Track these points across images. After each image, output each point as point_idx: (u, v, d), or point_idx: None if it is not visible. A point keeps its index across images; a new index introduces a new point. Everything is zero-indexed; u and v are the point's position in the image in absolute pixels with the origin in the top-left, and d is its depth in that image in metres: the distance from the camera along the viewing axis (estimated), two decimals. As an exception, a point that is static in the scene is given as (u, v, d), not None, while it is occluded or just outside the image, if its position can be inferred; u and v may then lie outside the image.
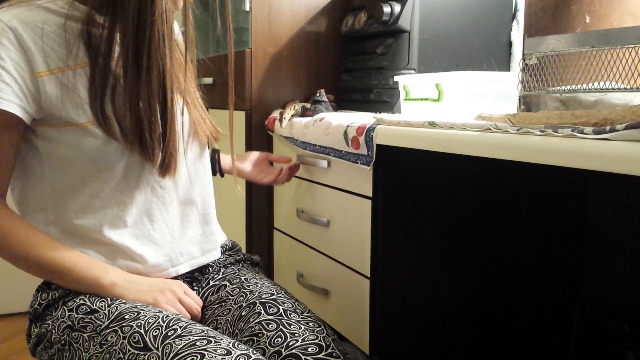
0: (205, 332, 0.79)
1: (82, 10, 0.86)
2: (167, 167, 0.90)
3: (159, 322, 0.81)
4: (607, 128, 0.65)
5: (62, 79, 0.85)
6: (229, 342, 0.78)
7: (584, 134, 0.67)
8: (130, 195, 0.92)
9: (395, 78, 1.32)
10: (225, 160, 1.31)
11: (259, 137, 1.62)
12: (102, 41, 0.85)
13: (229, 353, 0.75)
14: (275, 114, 1.58)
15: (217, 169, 1.28)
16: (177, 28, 1.11)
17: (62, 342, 0.84)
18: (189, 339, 0.77)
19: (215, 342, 0.77)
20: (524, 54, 1.04)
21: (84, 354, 0.82)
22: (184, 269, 1.00)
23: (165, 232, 0.97)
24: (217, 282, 1.04)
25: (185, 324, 0.81)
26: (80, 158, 0.87)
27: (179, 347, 0.75)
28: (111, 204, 0.91)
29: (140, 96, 0.85)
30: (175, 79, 0.90)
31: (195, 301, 0.96)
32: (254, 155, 1.37)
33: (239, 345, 0.78)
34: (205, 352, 0.74)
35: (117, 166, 0.89)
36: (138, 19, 0.82)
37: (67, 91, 0.85)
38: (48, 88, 0.84)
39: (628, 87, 0.89)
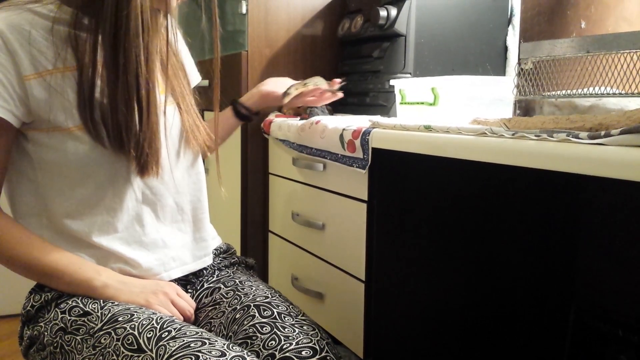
0: (200, 333, 0.79)
1: (69, 13, 0.86)
2: (144, 166, 0.89)
3: (152, 324, 0.80)
4: (602, 133, 0.65)
5: (50, 82, 0.85)
6: (224, 344, 0.77)
7: (579, 138, 0.67)
8: (119, 201, 0.91)
9: (391, 82, 1.32)
10: (247, 98, 1.32)
11: (254, 140, 1.62)
12: (87, 43, 0.85)
13: (223, 355, 0.74)
14: (271, 117, 1.58)
15: (245, 114, 1.29)
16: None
17: (55, 345, 0.84)
18: (183, 340, 0.77)
19: (210, 343, 0.77)
20: (519, 59, 1.05)
21: (77, 356, 0.81)
22: (176, 274, 0.99)
23: (156, 237, 0.96)
24: (211, 285, 1.03)
25: (179, 326, 0.81)
26: (67, 163, 0.87)
27: (173, 348, 0.75)
28: (100, 210, 0.90)
29: (118, 94, 0.84)
30: (157, 78, 0.90)
31: (188, 303, 0.95)
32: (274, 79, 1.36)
33: (234, 347, 0.77)
34: (200, 354, 0.74)
35: (103, 172, 0.89)
36: (116, 14, 0.82)
37: (55, 94, 0.85)
38: (36, 91, 0.84)
39: (623, 92, 0.90)
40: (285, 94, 1.29)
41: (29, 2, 0.86)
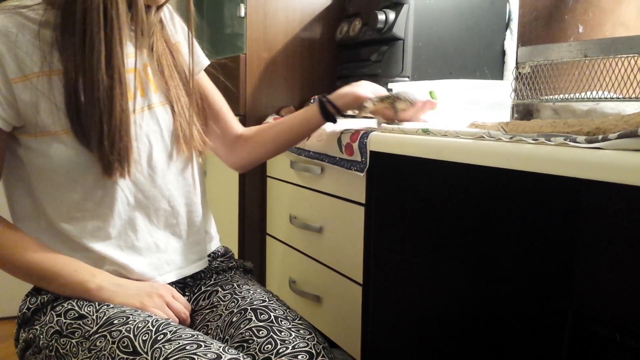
0: (195, 336, 0.79)
1: (55, 16, 0.85)
2: (107, 166, 0.86)
3: (148, 327, 0.80)
4: (600, 137, 0.65)
5: (37, 85, 0.84)
6: (219, 347, 0.77)
7: (577, 142, 0.67)
8: (109, 206, 0.90)
9: (389, 85, 1.32)
10: (339, 97, 1.11)
11: (252, 143, 1.61)
12: (71, 45, 0.84)
13: (219, 357, 0.74)
14: (270, 119, 1.58)
15: (333, 114, 1.10)
16: (179, 29, 1.09)
17: (50, 348, 0.84)
18: (179, 343, 0.76)
19: (205, 346, 0.76)
20: (517, 63, 1.05)
21: (72, 359, 0.81)
22: (171, 278, 0.99)
23: (149, 241, 0.95)
24: (208, 288, 1.03)
25: (174, 329, 0.80)
26: (56, 168, 0.87)
27: (169, 351, 0.75)
28: (91, 215, 0.90)
29: (86, 92, 0.84)
30: (133, 75, 0.90)
31: (183, 305, 0.95)
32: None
33: (229, 350, 0.77)
34: (195, 356, 0.74)
35: (91, 177, 0.88)
36: (83, 9, 0.81)
37: (42, 97, 0.85)
38: (23, 95, 0.84)
39: (620, 96, 0.90)
40: (361, 107, 1.09)
41: (19, 7, 0.85)
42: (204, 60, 1.12)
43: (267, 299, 0.95)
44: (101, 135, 0.85)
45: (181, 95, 0.99)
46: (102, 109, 0.84)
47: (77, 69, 0.84)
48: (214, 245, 1.11)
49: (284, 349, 0.83)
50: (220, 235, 1.15)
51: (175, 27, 1.07)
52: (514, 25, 1.52)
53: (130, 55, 0.90)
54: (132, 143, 0.90)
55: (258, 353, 0.83)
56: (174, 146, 0.97)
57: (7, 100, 0.83)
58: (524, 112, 1.05)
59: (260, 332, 0.86)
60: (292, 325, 0.89)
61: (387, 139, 1.02)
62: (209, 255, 1.09)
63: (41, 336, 0.85)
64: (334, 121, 1.12)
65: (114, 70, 0.84)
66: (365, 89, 1.11)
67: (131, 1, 0.86)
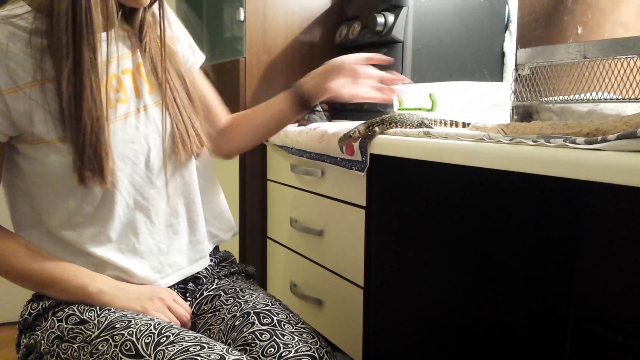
0: (199, 338, 0.79)
1: (45, 23, 0.84)
2: (80, 175, 0.85)
3: (150, 330, 0.80)
4: (599, 138, 0.65)
5: (30, 95, 0.84)
6: (223, 348, 0.77)
7: (576, 144, 0.67)
8: (109, 210, 0.90)
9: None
10: (308, 80, 1.11)
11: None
12: (62, 52, 0.83)
13: (222, 359, 0.74)
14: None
15: (307, 105, 1.11)
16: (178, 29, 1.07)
17: (52, 353, 0.84)
18: (182, 345, 0.76)
19: (209, 347, 0.76)
20: (516, 65, 1.05)
21: (74, 364, 0.81)
22: (173, 280, 0.99)
23: (151, 244, 0.95)
24: (211, 293, 1.03)
25: (177, 331, 0.80)
26: (54, 175, 0.86)
27: (172, 353, 0.75)
28: (91, 220, 0.90)
29: (62, 96, 0.83)
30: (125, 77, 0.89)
31: (184, 309, 0.95)
32: (336, 61, 1.13)
33: (233, 351, 0.77)
34: (199, 358, 0.74)
35: None
36: (57, 12, 0.81)
37: (36, 107, 0.84)
38: (16, 105, 0.83)
39: (620, 97, 0.90)
40: (346, 136, 1.05)
41: (9, 16, 0.85)
42: (199, 57, 1.10)
43: (269, 303, 0.95)
44: (75, 142, 0.84)
45: (177, 97, 0.97)
46: (72, 115, 0.83)
47: (62, 75, 0.83)
48: (229, 235, 1.10)
49: (287, 352, 0.83)
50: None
51: (169, 20, 1.04)
52: (513, 26, 1.52)
53: (115, 58, 0.89)
54: (128, 146, 0.90)
55: (261, 356, 0.83)
56: (171, 146, 0.96)
57: (1, 112, 0.83)
58: (523, 113, 1.05)
59: (263, 336, 0.86)
60: (295, 329, 0.89)
61: (388, 142, 1.02)
62: (215, 254, 1.10)
63: (42, 342, 0.85)
64: (310, 110, 1.13)
65: (83, 76, 0.83)
66: (342, 81, 1.10)
67: (105, 5, 0.84)
